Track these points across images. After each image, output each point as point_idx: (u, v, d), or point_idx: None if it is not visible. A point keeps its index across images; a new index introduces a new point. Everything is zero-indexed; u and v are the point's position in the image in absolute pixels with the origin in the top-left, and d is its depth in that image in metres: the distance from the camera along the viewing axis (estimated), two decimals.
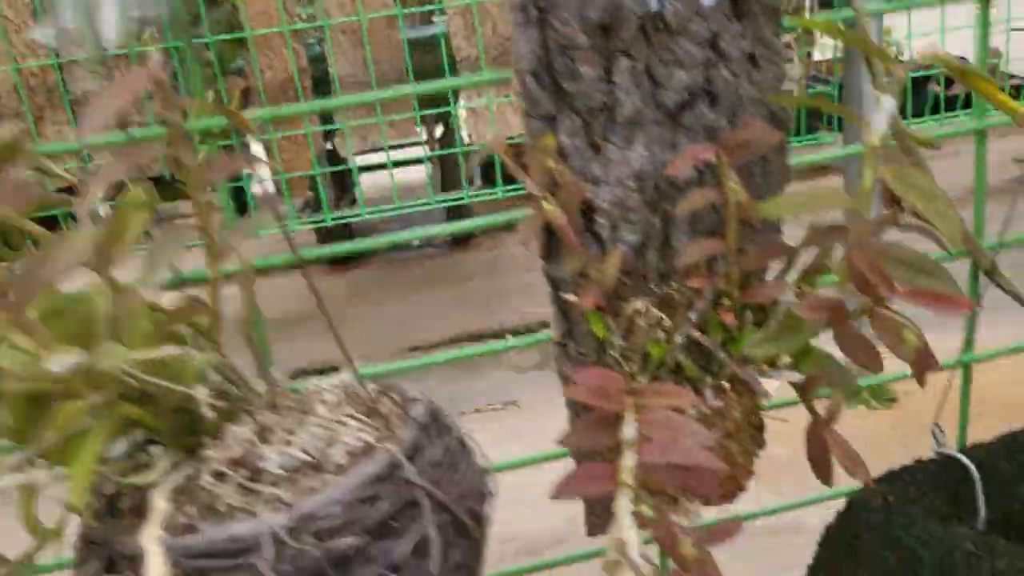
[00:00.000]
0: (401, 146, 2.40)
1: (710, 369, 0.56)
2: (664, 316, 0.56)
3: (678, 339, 0.55)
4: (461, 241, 2.87)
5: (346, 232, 2.56)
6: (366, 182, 2.36)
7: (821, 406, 0.55)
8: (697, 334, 0.54)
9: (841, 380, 0.54)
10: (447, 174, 2.64)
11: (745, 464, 0.63)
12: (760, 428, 0.64)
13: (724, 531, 0.49)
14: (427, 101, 2.27)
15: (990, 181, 0.78)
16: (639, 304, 0.56)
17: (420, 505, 0.48)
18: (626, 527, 0.41)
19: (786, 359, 0.55)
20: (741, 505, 0.62)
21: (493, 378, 2.15)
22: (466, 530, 0.49)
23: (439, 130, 2.56)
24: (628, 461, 0.44)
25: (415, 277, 2.48)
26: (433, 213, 2.49)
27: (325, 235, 2.53)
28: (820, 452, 0.54)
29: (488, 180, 2.64)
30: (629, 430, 0.47)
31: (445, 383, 2.07)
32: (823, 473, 0.55)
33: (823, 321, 0.52)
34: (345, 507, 0.45)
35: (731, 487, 0.62)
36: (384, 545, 0.46)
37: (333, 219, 2.22)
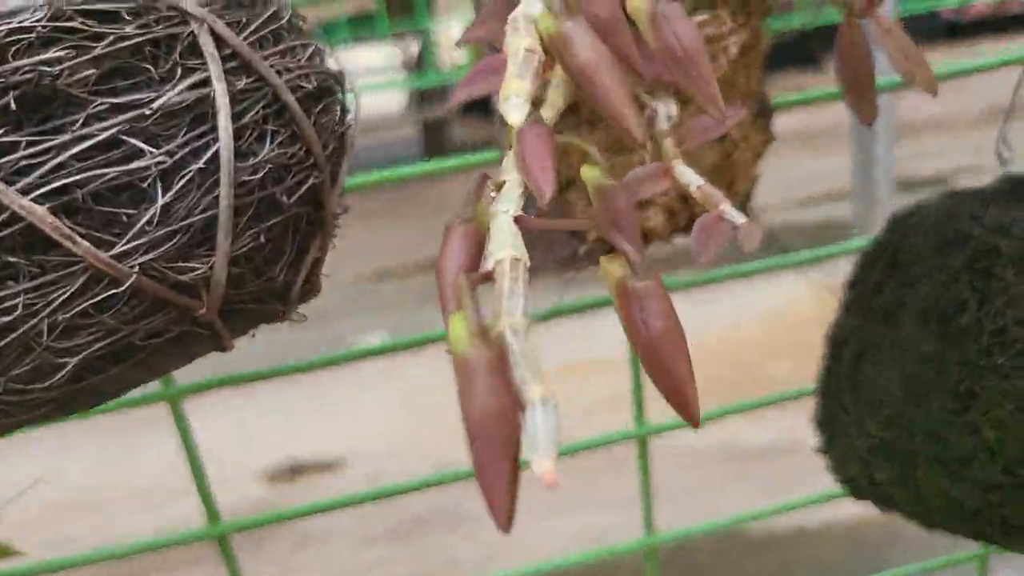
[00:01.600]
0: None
1: None
2: None
3: None
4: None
5: None
6: None
7: None
8: None
9: None
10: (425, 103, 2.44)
11: (747, 155, 0.44)
12: (766, 105, 0.45)
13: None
14: (400, 7, 2.08)
15: None
16: None
17: (198, 47, 0.28)
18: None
19: None
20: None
21: None
22: (288, 118, 0.30)
23: (414, 48, 2.36)
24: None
25: (387, 203, 2.30)
26: (408, 140, 2.30)
27: None
28: (855, 62, 0.35)
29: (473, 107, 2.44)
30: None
31: (420, 311, 1.88)
32: (863, 102, 0.36)
33: None
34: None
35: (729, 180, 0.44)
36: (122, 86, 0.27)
37: None
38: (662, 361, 0.19)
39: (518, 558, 1.21)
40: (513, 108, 0.20)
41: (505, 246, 0.20)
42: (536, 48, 0.20)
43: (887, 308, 0.43)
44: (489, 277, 0.19)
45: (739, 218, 0.28)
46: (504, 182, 0.23)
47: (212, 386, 0.48)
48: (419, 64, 2.18)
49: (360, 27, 2.04)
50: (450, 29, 2.21)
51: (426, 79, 2.08)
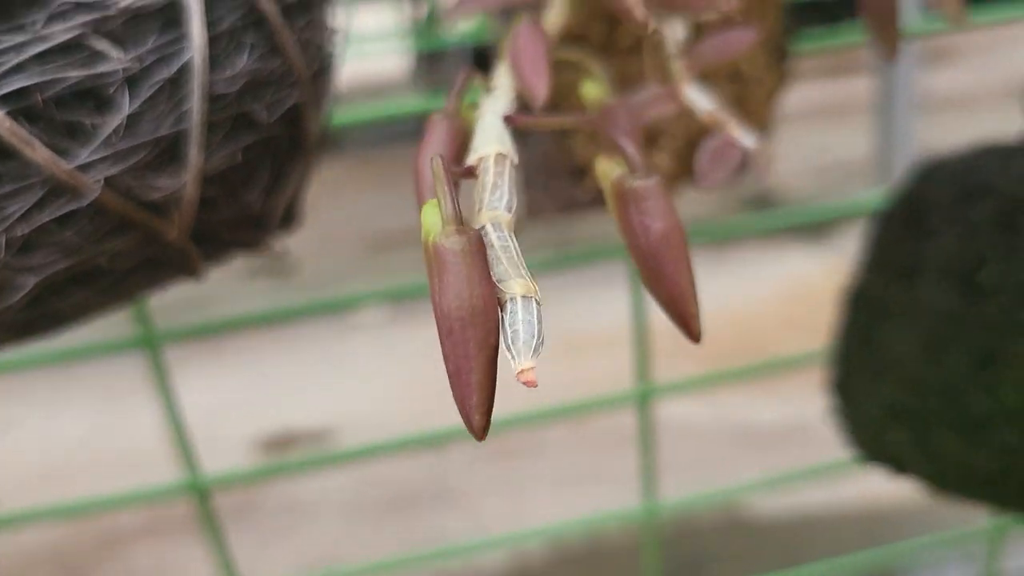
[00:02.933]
0: None
1: None
2: None
3: None
4: None
5: None
6: None
7: None
8: None
9: None
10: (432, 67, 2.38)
11: (761, 93, 0.42)
12: (782, 44, 0.43)
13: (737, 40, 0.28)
14: None
15: None
16: None
17: None
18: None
19: None
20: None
21: None
22: (268, 30, 0.28)
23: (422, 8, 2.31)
24: None
25: (388, 171, 2.27)
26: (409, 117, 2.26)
27: None
28: None
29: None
30: None
31: (419, 278, 1.85)
32: (885, 34, 0.33)
33: None
34: None
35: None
36: None
37: None
38: (662, 267, 0.17)
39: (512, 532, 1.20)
40: None
41: (492, 142, 0.18)
42: None
43: (905, 264, 0.41)
44: (471, 173, 0.17)
45: (750, 141, 0.26)
46: (494, 84, 0.21)
47: (192, 333, 0.46)
48: (427, 27, 2.14)
49: None
50: None
51: (433, 41, 2.04)
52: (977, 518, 0.65)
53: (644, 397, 0.51)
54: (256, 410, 1.57)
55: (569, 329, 1.57)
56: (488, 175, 0.17)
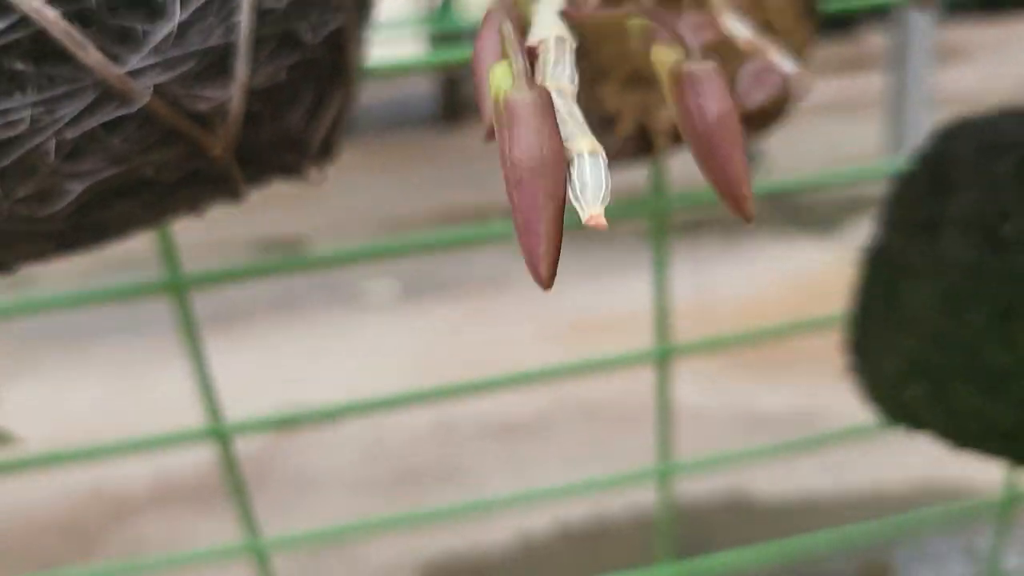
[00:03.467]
0: None
1: None
2: None
3: None
4: (452, 117, 2.63)
5: None
6: None
7: None
8: None
9: None
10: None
11: (794, 45, 0.42)
12: (813, 6, 0.43)
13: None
14: None
15: None
16: None
17: None
18: None
19: None
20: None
21: (484, 254, 1.94)
22: None
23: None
24: None
25: (403, 155, 2.28)
26: (426, 93, 2.27)
27: None
28: None
29: None
30: None
31: (431, 260, 1.86)
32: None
33: None
34: None
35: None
36: None
37: None
38: (717, 150, 0.18)
39: (519, 513, 1.20)
40: None
41: (551, 27, 0.18)
42: None
43: (926, 219, 0.42)
44: (533, 53, 0.18)
45: (790, 66, 0.26)
46: None
47: (217, 279, 0.47)
48: (442, 11, 2.15)
49: None
50: None
51: (447, 24, 2.04)
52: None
53: (663, 355, 0.51)
54: (267, 388, 1.58)
55: (580, 311, 1.58)
56: (550, 52, 0.17)
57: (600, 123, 0.43)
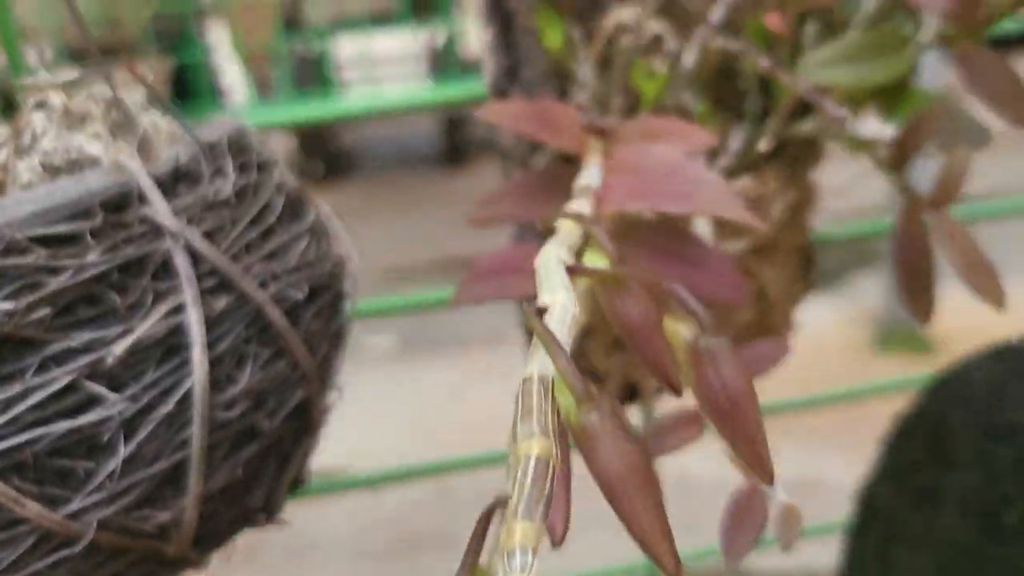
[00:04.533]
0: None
1: (738, 109, 0.33)
2: (663, 33, 0.33)
3: (686, 62, 0.32)
4: (455, 159, 2.61)
5: (332, 146, 2.32)
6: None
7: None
8: (721, 42, 0.31)
9: (958, 128, 0.32)
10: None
11: (785, 308, 0.40)
12: (810, 257, 0.41)
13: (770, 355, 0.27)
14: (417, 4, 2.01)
15: None
16: (625, 14, 0.34)
17: (172, 267, 0.25)
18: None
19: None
20: None
21: (484, 308, 1.92)
22: (273, 334, 0.27)
23: (440, 39, 2.29)
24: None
25: (404, 198, 2.26)
26: (428, 133, 2.26)
27: (305, 138, 2.30)
28: (914, 259, 0.31)
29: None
30: (591, 175, 0.25)
31: (432, 313, 1.84)
32: (918, 303, 0.32)
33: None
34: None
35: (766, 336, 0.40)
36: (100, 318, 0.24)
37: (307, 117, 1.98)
38: (740, 422, 0.18)
39: None
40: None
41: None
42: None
43: (924, 489, 0.40)
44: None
45: (781, 496, 0.25)
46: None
47: None
48: (442, 60, 2.13)
49: (382, 22, 1.99)
50: (475, 23, 2.16)
51: (449, 75, 2.03)
52: None
53: None
54: None
55: None
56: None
57: (587, 374, 0.41)
